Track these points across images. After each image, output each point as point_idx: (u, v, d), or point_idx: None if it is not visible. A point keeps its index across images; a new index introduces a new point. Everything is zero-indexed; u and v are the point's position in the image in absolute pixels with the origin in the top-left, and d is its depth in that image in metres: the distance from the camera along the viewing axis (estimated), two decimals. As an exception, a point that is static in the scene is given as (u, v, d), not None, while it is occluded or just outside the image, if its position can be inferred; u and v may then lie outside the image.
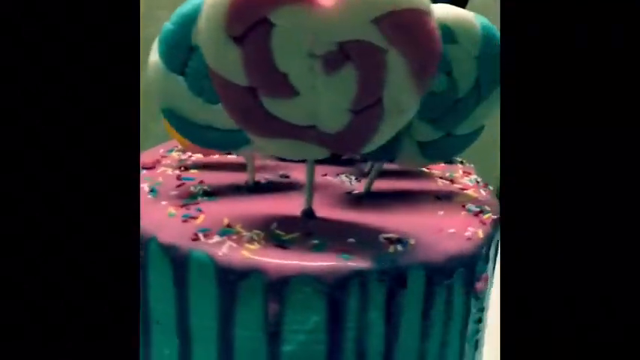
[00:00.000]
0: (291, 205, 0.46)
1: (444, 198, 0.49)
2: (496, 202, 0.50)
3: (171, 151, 0.58)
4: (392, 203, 0.48)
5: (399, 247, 0.41)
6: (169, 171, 0.53)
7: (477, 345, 0.48)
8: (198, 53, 0.40)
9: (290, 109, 0.40)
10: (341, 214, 0.46)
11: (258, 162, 0.54)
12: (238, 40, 0.38)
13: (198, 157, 0.56)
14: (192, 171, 0.53)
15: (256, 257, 0.40)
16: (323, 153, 0.42)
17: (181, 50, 0.42)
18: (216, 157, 0.56)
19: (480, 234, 0.44)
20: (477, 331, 0.46)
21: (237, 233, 0.42)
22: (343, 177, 0.52)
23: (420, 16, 0.37)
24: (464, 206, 0.47)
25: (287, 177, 0.53)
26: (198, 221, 0.43)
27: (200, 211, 0.45)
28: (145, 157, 0.56)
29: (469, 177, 0.54)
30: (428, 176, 0.54)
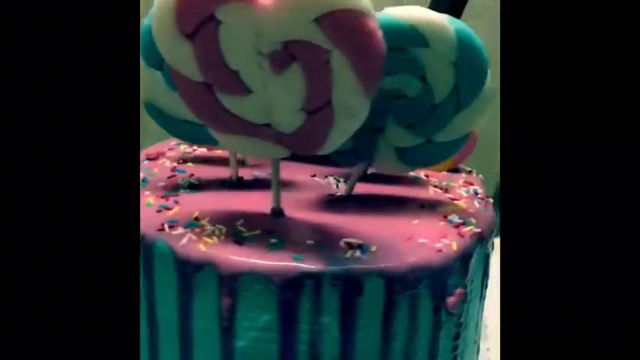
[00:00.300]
0: (266, 203, 0.46)
1: (428, 206, 0.48)
2: (489, 216, 0.48)
3: (180, 144, 0.59)
4: (370, 208, 0.47)
5: (358, 253, 0.40)
6: (168, 163, 0.54)
7: (456, 362, 0.46)
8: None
9: (245, 107, 0.40)
10: (313, 215, 0.45)
11: (253, 159, 0.55)
12: (189, 36, 0.38)
13: (202, 151, 0.57)
14: (189, 164, 0.54)
15: (210, 251, 0.40)
16: (282, 152, 0.42)
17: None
18: (219, 152, 0.56)
19: (454, 246, 0.42)
20: (455, 348, 0.45)
21: (202, 227, 0.42)
22: (331, 179, 0.52)
23: (358, 17, 0.36)
24: (446, 217, 0.46)
25: None
26: (171, 212, 0.44)
27: (177, 202, 0.46)
28: (154, 148, 0.57)
29: (468, 187, 0.53)
30: (421, 183, 0.53)
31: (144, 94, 0.45)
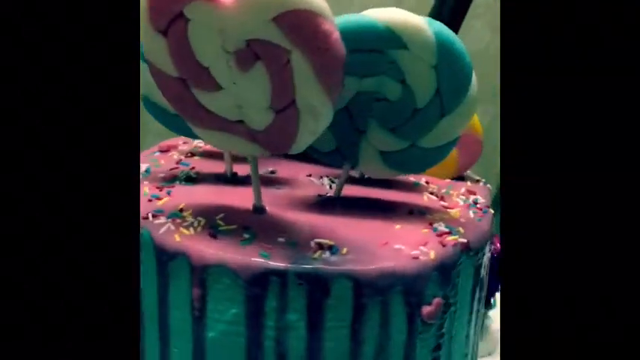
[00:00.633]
0: (252, 200, 0.46)
1: (417, 213, 0.47)
2: (482, 227, 0.46)
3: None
4: (356, 211, 0.46)
5: (327, 254, 0.40)
6: (176, 155, 0.55)
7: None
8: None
9: (217, 103, 0.41)
10: (296, 214, 0.45)
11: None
12: (163, 33, 0.39)
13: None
14: (196, 158, 0.54)
15: (184, 242, 0.41)
16: (256, 149, 0.43)
17: None
18: None
19: (432, 255, 0.41)
20: (436, 359, 0.44)
21: (183, 218, 0.43)
22: (325, 179, 0.51)
23: (311, 17, 0.37)
24: (431, 224, 0.45)
25: (273, 172, 0.53)
26: (160, 203, 0.45)
27: (169, 194, 0.47)
28: (170, 141, 0.58)
29: (468, 196, 0.51)
30: (418, 189, 0.52)
31: (142, 88, 0.46)
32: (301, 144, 0.42)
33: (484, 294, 0.49)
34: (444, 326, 0.43)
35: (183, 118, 0.43)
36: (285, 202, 0.47)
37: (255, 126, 0.41)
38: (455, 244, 0.42)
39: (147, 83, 0.45)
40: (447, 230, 0.44)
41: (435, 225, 0.44)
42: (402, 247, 0.41)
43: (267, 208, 0.45)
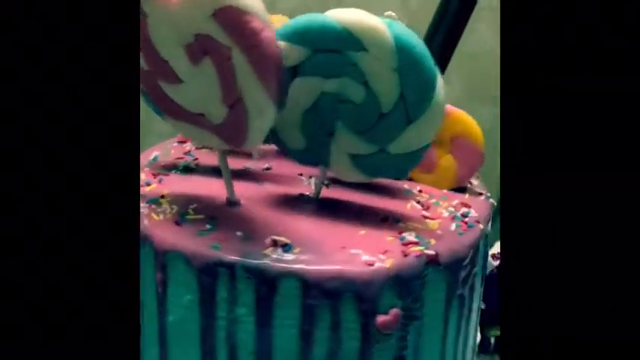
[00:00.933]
0: (239, 191, 0.47)
1: (391, 220, 0.45)
2: (461, 242, 0.44)
3: None
4: (328, 213, 0.46)
5: (279, 251, 0.40)
6: (188, 146, 0.56)
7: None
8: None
9: (180, 95, 0.42)
10: (268, 211, 0.45)
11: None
12: None
13: None
14: (204, 150, 0.55)
15: (150, 226, 0.43)
16: (219, 143, 0.44)
17: None
18: None
19: (388, 264, 0.40)
20: None
21: (159, 204, 0.45)
22: (314, 180, 0.50)
23: (240, 14, 0.38)
24: (400, 233, 0.43)
25: (268, 169, 0.52)
26: (148, 189, 0.47)
27: (160, 181, 0.48)
28: None
29: (460, 209, 0.48)
30: (405, 196, 0.50)
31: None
32: (253, 140, 0.42)
33: (470, 310, 0.46)
34: (407, 338, 0.41)
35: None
36: (263, 199, 0.47)
37: (214, 119, 0.42)
38: (419, 256, 0.41)
39: None
40: (415, 240, 0.42)
41: (404, 234, 0.43)
42: (358, 252, 0.41)
43: (243, 202, 0.46)
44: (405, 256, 0.41)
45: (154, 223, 0.43)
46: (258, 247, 0.41)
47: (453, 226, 0.45)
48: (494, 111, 0.93)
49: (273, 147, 0.49)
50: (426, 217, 0.46)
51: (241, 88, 0.40)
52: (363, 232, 0.43)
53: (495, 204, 0.52)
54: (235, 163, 0.51)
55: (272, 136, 0.45)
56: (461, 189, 0.52)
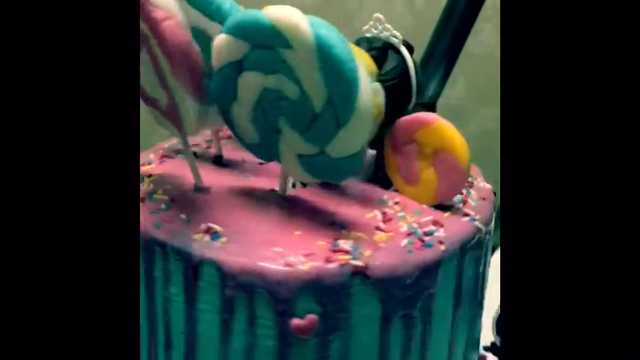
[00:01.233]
0: (219, 180, 0.48)
1: (337, 225, 0.44)
2: (407, 260, 0.41)
3: None
4: (284, 210, 0.45)
5: (207, 238, 0.41)
6: (221, 134, 0.56)
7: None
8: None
9: (142, 79, 0.44)
10: (227, 200, 0.46)
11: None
12: None
13: None
14: (224, 141, 0.55)
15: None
16: (171, 128, 0.45)
17: None
18: None
19: (307, 267, 0.39)
20: None
21: (144, 182, 0.47)
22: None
23: (144, 3, 0.39)
24: (336, 239, 0.41)
25: (262, 163, 0.52)
26: (144, 168, 0.50)
27: (160, 163, 0.51)
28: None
29: (428, 227, 0.44)
30: (376, 205, 0.47)
31: None
32: (187, 126, 0.44)
33: (427, 333, 0.43)
34: (329, 347, 0.40)
35: None
36: (233, 189, 0.47)
37: (162, 104, 0.43)
38: (344, 264, 0.39)
39: None
40: (346, 249, 0.40)
41: (339, 241, 0.41)
42: (281, 250, 0.40)
43: (213, 190, 0.47)
44: (328, 262, 0.39)
45: None
46: (192, 232, 0.41)
47: (404, 242, 0.42)
48: (499, 112, 0.93)
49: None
50: (378, 229, 0.43)
51: (167, 77, 0.41)
52: (298, 232, 0.42)
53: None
54: (235, 155, 0.52)
55: (230, 129, 0.46)
56: (446, 207, 0.47)
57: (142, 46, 0.41)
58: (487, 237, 0.47)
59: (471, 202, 0.48)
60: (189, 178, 0.48)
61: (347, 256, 0.40)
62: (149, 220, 0.42)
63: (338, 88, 0.40)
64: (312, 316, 0.39)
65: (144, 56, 0.42)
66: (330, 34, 0.39)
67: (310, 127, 0.42)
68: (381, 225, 0.44)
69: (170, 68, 0.41)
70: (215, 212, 0.44)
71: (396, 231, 0.43)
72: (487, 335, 0.62)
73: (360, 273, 0.39)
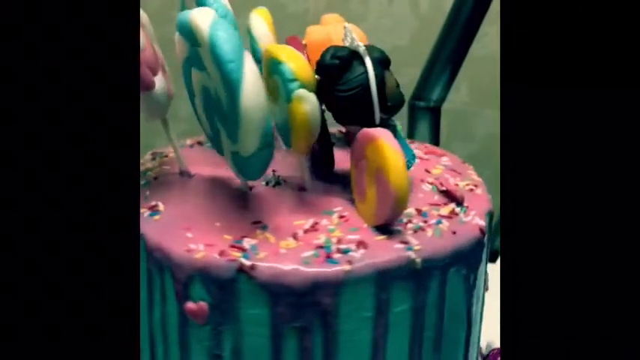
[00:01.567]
0: (211, 170, 0.49)
1: (262, 224, 0.44)
2: (298, 274, 0.40)
3: None
4: (236, 201, 0.46)
5: (147, 214, 0.44)
6: None
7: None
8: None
9: None
10: (195, 186, 0.48)
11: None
12: None
13: None
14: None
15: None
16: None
17: None
18: None
19: (199, 255, 0.40)
20: None
21: (155, 160, 0.52)
22: (273, 175, 0.50)
23: None
24: (243, 237, 0.42)
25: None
26: (168, 152, 0.53)
27: (191, 147, 0.54)
28: None
29: (345, 245, 0.42)
30: (322, 214, 0.46)
31: None
32: (145, 113, 0.46)
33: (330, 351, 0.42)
34: (222, 338, 0.41)
35: None
36: (212, 177, 0.49)
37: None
38: (232, 261, 0.40)
39: None
40: (244, 247, 0.41)
41: (245, 239, 0.42)
42: (191, 236, 0.42)
43: (194, 176, 0.49)
44: (221, 255, 0.40)
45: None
46: (144, 206, 0.45)
47: (307, 254, 0.41)
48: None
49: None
50: (293, 236, 0.43)
51: None
52: (218, 224, 0.43)
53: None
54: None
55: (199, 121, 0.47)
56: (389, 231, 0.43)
57: None
58: (434, 271, 0.42)
59: (440, 229, 0.44)
60: (197, 168, 0.50)
61: (238, 254, 0.40)
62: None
63: (225, 88, 0.40)
64: (202, 304, 0.41)
65: None
66: (216, 32, 0.39)
67: (224, 125, 0.42)
68: (299, 233, 0.43)
69: None
70: (171, 193, 0.47)
71: (308, 242, 0.42)
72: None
73: (244, 272, 0.40)
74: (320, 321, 0.40)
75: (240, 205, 0.46)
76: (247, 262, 0.40)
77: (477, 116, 1.01)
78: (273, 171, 0.51)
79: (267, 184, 0.48)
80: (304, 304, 0.40)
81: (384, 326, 0.41)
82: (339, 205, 0.46)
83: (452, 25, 0.82)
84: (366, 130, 0.43)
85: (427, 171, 0.51)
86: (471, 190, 0.49)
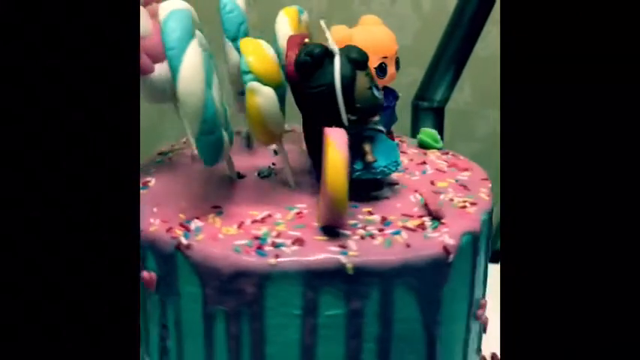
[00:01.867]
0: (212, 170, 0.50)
1: (220, 209, 0.45)
2: (233, 259, 0.41)
3: None
4: (224, 188, 0.48)
5: (143, 190, 0.48)
6: None
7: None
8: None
9: None
10: (202, 171, 0.49)
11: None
12: None
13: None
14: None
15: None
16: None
17: None
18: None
19: (152, 228, 0.43)
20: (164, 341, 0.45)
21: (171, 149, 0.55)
22: (266, 170, 0.51)
23: None
24: (193, 218, 0.44)
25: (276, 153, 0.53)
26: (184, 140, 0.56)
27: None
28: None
29: (280, 239, 0.42)
30: (288, 209, 0.46)
31: None
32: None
33: (258, 340, 0.42)
34: (166, 308, 0.44)
35: None
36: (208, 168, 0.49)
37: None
38: (174, 238, 0.42)
39: None
40: (190, 227, 0.43)
41: (194, 220, 0.44)
42: (155, 211, 0.45)
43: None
44: (167, 231, 0.43)
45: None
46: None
47: (240, 242, 0.42)
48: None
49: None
50: (239, 225, 0.43)
51: None
52: (183, 203, 0.46)
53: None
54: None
55: None
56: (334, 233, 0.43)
57: None
58: (372, 279, 0.41)
59: (392, 240, 0.42)
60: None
61: (181, 232, 0.42)
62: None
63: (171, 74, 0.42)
64: (152, 274, 0.44)
65: None
66: (172, 24, 0.40)
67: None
68: (246, 222, 0.44)
69: None
70: (168, 173, 0.50)
71: (248, 231, 0.43)
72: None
73: (181, 250, 0.42)
74: (247, 310, 0.41)
75: (213, 190, 0.48)
76: (185, 241, 0.42)
77: (481, 116, 1.01)
78: (273, 164, 0.52)
79: (258, 174, 0.50)
80: (230, 290, 0.41)
81: (314, 327, 0.41)
82: (305, 203, 0.46)
83: (455, 25, 0.82)
84: (325, 128, 0.42)
85: (432, 183, 0.49)
86: (463, 207, 0.46)
